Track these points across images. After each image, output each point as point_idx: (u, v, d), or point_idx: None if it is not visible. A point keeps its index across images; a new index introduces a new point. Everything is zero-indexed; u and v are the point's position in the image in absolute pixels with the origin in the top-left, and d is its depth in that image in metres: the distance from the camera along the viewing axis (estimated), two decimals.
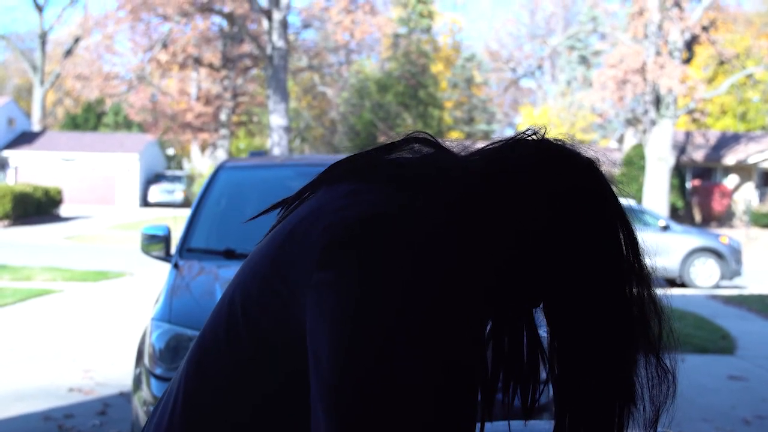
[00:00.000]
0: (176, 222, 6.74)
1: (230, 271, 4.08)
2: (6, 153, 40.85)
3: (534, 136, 1.10)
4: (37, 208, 28.56)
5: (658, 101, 27.05)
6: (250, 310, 1.00)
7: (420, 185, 1.00)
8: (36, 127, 45.09)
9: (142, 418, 3.57)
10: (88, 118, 50.09)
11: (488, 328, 1.11)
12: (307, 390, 0.93)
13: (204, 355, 1.05)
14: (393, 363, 0.87)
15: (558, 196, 1.02)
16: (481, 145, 1.11)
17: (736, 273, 15.54)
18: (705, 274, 15.42)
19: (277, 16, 25.29)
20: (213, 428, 1.01)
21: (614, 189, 1.07)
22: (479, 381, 1.04)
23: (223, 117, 35.29)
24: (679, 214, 30.55)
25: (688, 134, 34.47)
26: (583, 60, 43.81)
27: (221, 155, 34.76)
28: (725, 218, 32.33)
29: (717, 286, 15.29)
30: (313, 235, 0.96)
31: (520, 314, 1.11)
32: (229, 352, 1.01)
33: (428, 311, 0.89)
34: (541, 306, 1.09)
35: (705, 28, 27.27)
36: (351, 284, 0.90)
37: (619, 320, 1.03)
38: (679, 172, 31.67)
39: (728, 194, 32.76)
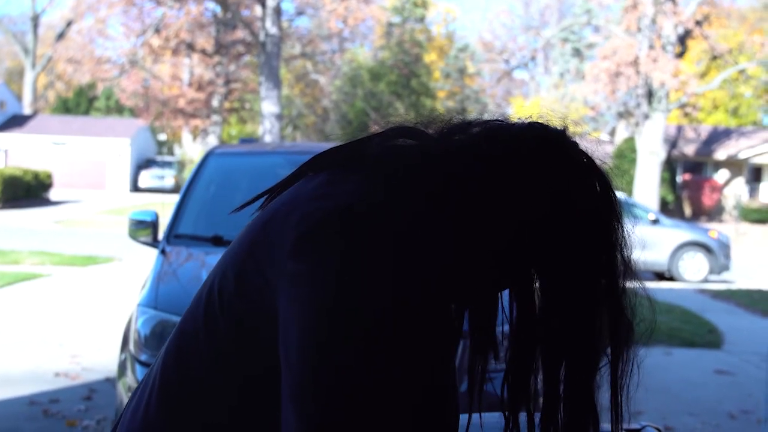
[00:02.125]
0: (164, 208, 6.71)
1: (217, 258, 4.02)
2: None
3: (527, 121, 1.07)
4: (26, 191, 28.45)
5: (650, 95, 27.08)
6: (227, 298, 0.98)
7: (402, 176, 0.98)
8: (27, 110, 44.84)
9: None
10: (80, 102, 49.81)
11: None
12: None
13: (184, 341, 1.03)
14: (367, 361, 0.84)
15: (557, 194, 0.99)
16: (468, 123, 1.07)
17: (725, 268, 15.58)
18: (694, 268, 15.44)
19: (270, 2, 25.20)
20: (188, 414, 1.00)
21: (613, 186, 1.04)
22: (452, 378, 1.01)
23: (215, 103, 35.13)
24: (670, 208, 30.63)
25: (679, 128, 34.51)
26: (577, 52, 43.77)
27: (213, 141, 34.61)
28: (715, 213, 32.44)
29: (705, 281, 15.30)
30: (289, 225, 0.94)
31: (487, 299, 1.07)
32: (207, 341, 0.99)
33: (404, 304, 0.87)
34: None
35: (698, 23, 27.29)
36: (324, 275, 0.88)
37: (598, 314, 1.01)
38: (670, 165, 31.73)
39: (718, 189, 32.86)
